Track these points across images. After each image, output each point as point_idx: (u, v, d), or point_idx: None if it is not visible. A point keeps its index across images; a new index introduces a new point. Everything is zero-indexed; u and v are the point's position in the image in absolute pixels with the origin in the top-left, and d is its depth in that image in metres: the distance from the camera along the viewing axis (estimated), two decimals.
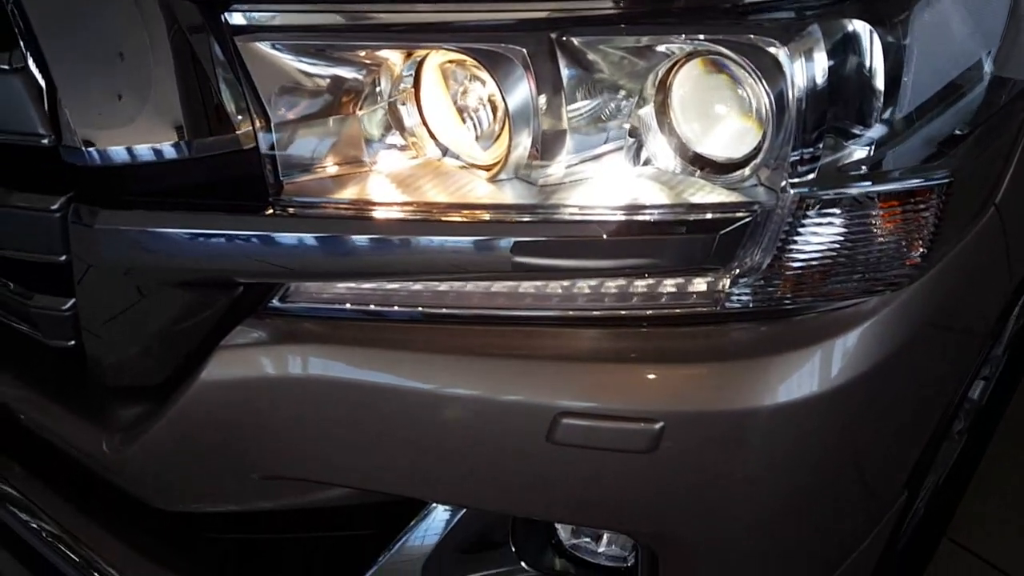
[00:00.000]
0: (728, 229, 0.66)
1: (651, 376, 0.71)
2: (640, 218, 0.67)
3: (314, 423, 0.78)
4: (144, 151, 0.71)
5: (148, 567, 0.97)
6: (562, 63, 0.67)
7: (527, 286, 0.74)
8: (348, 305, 0.77)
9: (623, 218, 0.68)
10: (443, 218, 0.70)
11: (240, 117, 0.71)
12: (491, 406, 0.73)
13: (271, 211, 0.72)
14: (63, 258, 0.78)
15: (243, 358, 0.77)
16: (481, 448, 0.76)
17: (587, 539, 0.92)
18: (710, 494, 0.74)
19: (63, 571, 1.02)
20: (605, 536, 0.92)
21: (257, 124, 0.71)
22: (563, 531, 0.93)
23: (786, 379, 0.70)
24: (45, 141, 0.72)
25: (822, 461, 0.75)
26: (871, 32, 0.66)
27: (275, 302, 0.78)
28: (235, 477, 0.85)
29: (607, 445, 0.72)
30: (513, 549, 0.92)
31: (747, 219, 0.66)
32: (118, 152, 0.71)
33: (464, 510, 0.88)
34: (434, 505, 0.88)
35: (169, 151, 0.71)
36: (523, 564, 0.92)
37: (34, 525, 1.04)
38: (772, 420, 0.70)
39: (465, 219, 0.70)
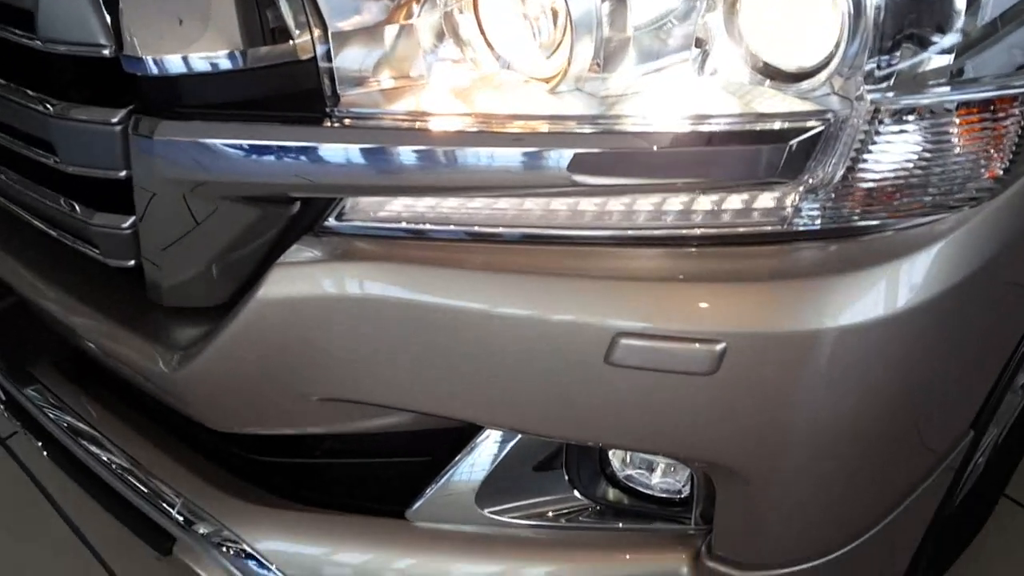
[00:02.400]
0: (799, 139, 0.64)
1: (713, 296, 0.69)
2: (705, 128, 0.65)
3: (369, 343, 0.77)
4: (201, 61, 0.70)
5: (202, 489, 0.98)
6: None
7: (587, 203, 0.72)
8: (404, 224, 0.76)
9: (688, 129, 0.66)
10: (500, 130, 0.68)
11: (298, 28, 0.70)
12: (549, 326, 0.72)
13: (329, 123, 0.71)
14: (124, 173, 0.78)
15: (299, 276, 0.77)
16: (538, 370, 0.75)
17: (640, 470, 0.91)
18: (771, 420, 0.72)
19: (117, 490, 1.05)
20: (659, 467, 0.91)
21: (315, 34, 0.69)
22: (616, 461, 0.92)
23: (855, 300, 0.67)
24: (106, 52, 0.72)
25: (889, 387, 0.73)
26: None
27: (331, 221, 0.77)
28: (289, 399, 0.85)
29: (667, 367, 0.71)
30: (566, 478, 0.91)
31: (819, 129, 0.64)
32: (176, 62, 0.71)
33: (517, 437, 0.87)
34: (487, 432, 0.87)
35: (225, 62, 0.71)
36: (576, 493, 0.92)
37: (89, 446, 1.06)
38: (839, 343, 0.68)
39: (523, 131, 0.68)
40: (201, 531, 0.97)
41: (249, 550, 0.95)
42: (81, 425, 1.07)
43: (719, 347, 0.69)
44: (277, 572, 0.94)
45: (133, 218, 0.82)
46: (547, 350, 0.73)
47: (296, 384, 0.83)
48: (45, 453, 1.14)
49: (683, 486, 0.89)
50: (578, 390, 0.75)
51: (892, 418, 0.76)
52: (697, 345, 0.69)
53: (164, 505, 0.99)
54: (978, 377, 0.87)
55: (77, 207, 0.85)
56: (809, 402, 0.71)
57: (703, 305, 0.69)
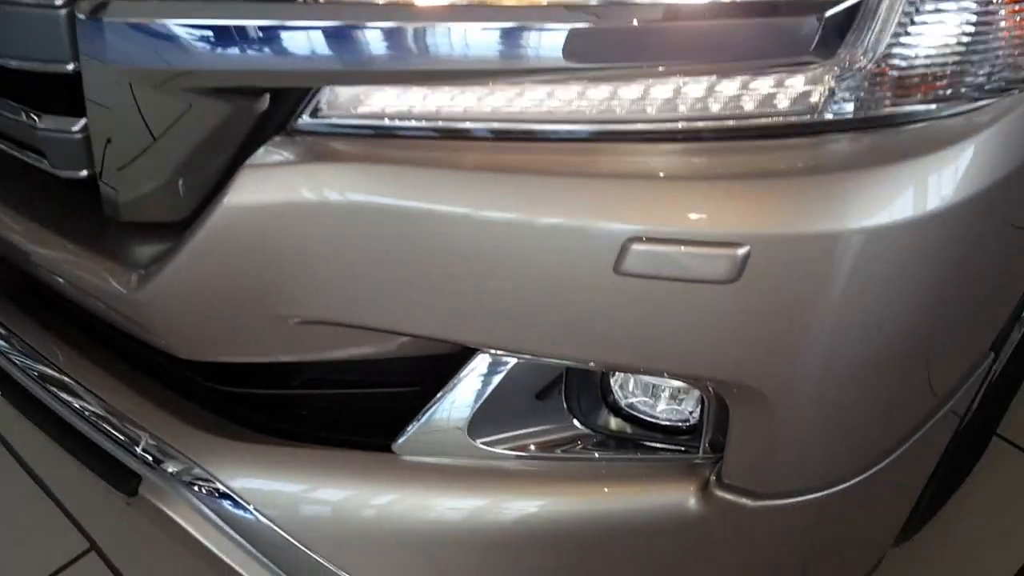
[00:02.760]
0: (835, 11, 0.57)
1: (736, 195, 0.62)
2: None
3: (349, 256, 0.70)
4: None
5: (169, 423, 0.91)
6: None
7: (593, 93, 0.65)
8: (387, 121, 0.68)
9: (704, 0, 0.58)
10: (494, 2, 0.61)
11: None
12: (551, 233, 0.65)
13: None
14: (71, 67, 0.69)
15: (270, 179, 0.69)
16: (538, 283, 0.68)
17: (644, 397, 0.85)
18: (796, 332, 0.66)
19: (77, 428, 0.97)
20: (664, 394, 0.85)
21: None
22: (618, 389, 0.86)
23: (892, 197, 0.61)
24: None
25: (923, 295, 0.66)
26: None
27: (305, 119, 0.70)
28: (262, 321, 0.77)
29: (684, 275, 0.64)
30: (565, 406, 0.85)
31: None
32: None
33: (513, 363, 0.80)
34: (480, 358, 0.80)
35: None
36: (575, 422, 0.86)
37: (45, 381, 0.99)
38: (873, 245, 0.62)
39: (519, 3, 0.60)
40: (169, 469, 0.90)
41: (222, 488, 0.88)
42: (36, 359, 0.98)
43: (741, 251, 0.62)
44: (253, 511, 0.88)
45: (84, 121, 0.73)
46: (549, 260, 0.66)
47: (269, 304, 0.75)
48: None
49: (691, 413, 0.83)
50: (583, 305, 0.68)
51: (923, 330, 0.70)
52: (717, 249, 0.63)
53: (128, 441, 0.91)
54: (1005, 292, 0.81)
55: (22, 111, 0.77)
56: (838, 311, 0.65)
57: (724, 205, 0.62)
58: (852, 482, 0.81)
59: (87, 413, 0.94)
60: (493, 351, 0.78)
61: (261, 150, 0.69)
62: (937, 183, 0.61)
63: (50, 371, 0.97)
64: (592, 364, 0.75)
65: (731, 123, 0.63)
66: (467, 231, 0.67)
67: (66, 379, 0.96)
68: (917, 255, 0.63)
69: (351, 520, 0.87)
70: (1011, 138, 0.63)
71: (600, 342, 0.70)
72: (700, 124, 0.64)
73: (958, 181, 0.62)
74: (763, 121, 0.63)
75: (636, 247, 0.64)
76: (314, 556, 0.88)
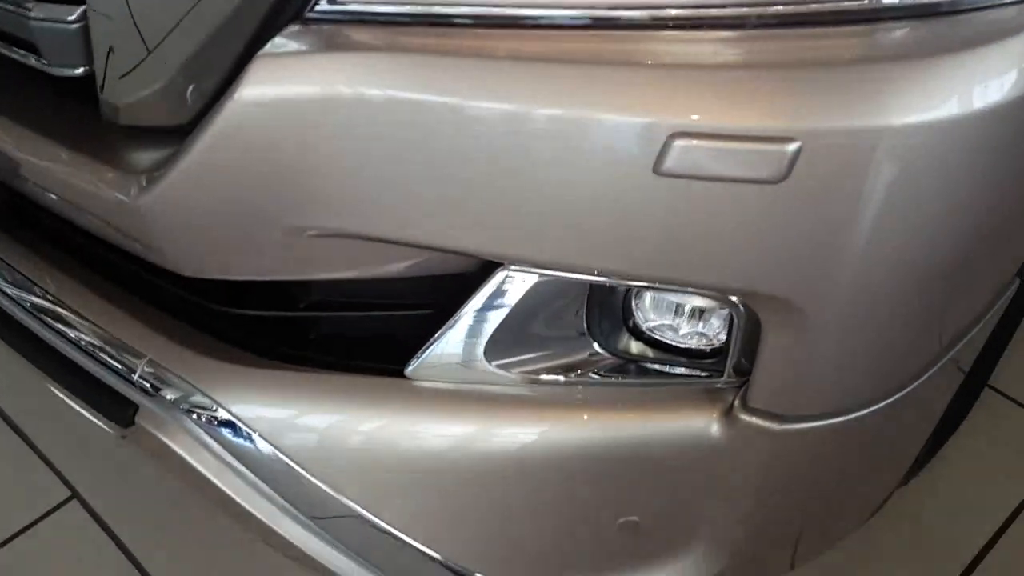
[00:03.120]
0: None
1: (788, 85, 0.59)
2: None
3: (371, 155, 0.66)
4: None
5: (169, 348, 0.86)
6: None
7: None
8: (412, 7, 0.64)
9: None
10: None
11: None
12: (589, 128, 0.61)
13: None
14: None
15: (287, 70, 0.64)
16: (572, 186, 0.64)
17: (666, 320, 0.82)
18: (840, 239, 0.63)
19: (67, 356, 0.93)
20: (686, 318, 0.81)
21: None
22: (640, 312, 0.82)
23: (957, 88, 0.58)
24: None
25: (974, 200, 0.64)
26: None
27: (323, 4, 0.65)
28: (273, 234, 0.73)
29: (729, 174, 0.61)
30: (585, 329, 0.82)
31: None
32: None
33: (532, 283, 0.77)
34: (498, 276, 0.76)
35: None
36: (595, 346, 0.82)
37: (30, 307, 0.94)
38: (933, 140, 0.59)
39: None
40: (168, 396, 0.85)
41: (225, 414, 0.84)
42: (27, 287, 0.93)
43: (792, 147, 0.59)
44: (258, 438, 0.84)
45: (82, 8, 0.68)
46: (585, 159, 0.63)
47: (282, 214, 0.71)
48: None
49: (715, 336, 0.80)
50: (618, 209, 0.64)
51: (967, 240, 0.67)
52: (766, 145, 0.59)
53: (124, 368, 0.87)
54: None
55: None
56: (886, 215, 0.62)
57: (775, 97, 0.59)
58: (879, 406, 0.79)
59: (81, 341, 0.89)
60: (515, 266, 0.75)
61: (277, 39, 0.65)
62: (1000, 74, 0.58)
63: (41, 299, 0.92)
64: (621, 277, 0.71)
65: (781, 8, 0.59)
66: (495, 128, 0.63)
67: (58, 306, 0.91)
68: (976, 153, 0.60)
69: (360, 447, 0.84)
70: None
71: (633, 251, 0.67)
72: (748, 10, 0.60)
73: (1020, 74, 0.59)
74: (815, 7, 0.59)
75: (679, 143, 0.60)
76: (320, 485, 0.84)
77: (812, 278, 0.66)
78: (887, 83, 0.58)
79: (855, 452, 0.84)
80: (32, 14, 0.69)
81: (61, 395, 1.07)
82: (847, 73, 0.58)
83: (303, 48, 0.64)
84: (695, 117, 0.60)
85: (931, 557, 1.39)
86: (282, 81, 0.64)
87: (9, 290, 0.94)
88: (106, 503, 1.46)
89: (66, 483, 1.49)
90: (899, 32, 0.59)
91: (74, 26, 0.69)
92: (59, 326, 0.91)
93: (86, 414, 1.06)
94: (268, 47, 0.65)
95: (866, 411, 0.79)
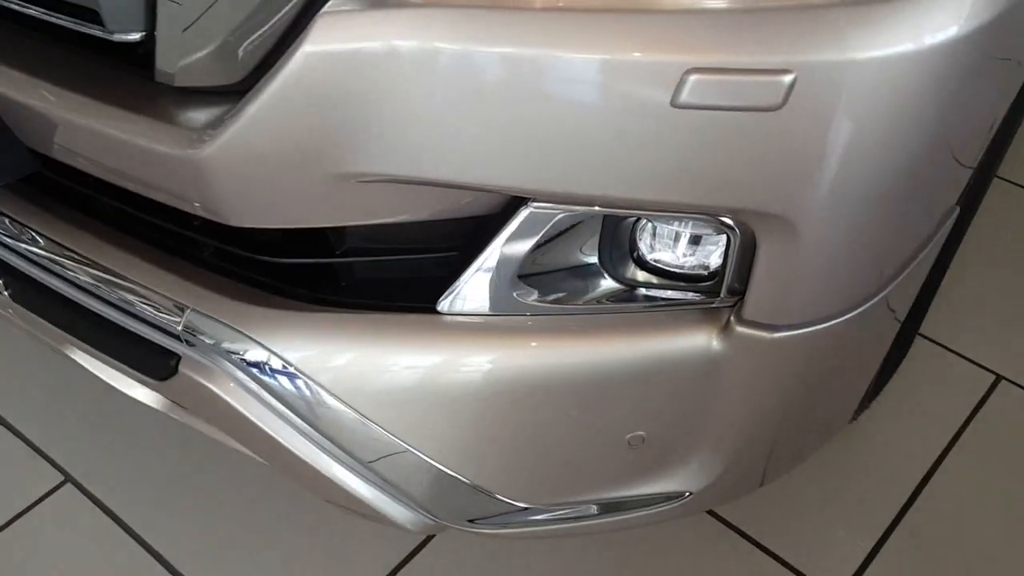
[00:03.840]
0: None
1: (785, 24, 0.70)
2: None
3: (420, 101, 0.75)
4: None
5: (210, 297, 0.93)
6: None
7: None
8: None
9: None
10: None
11: None
12: (616, 68, 0.72)
13: None
14: None
15: (348, 26, 0.72)
16: (599, 121, 0.74)
17: (667, 251, 0.93)
18: (831, 158, 0.75)
19: (105, 318, 0.99)
20: (685, 246, 0.92)
21: None
22: (643, 245, 0.93)
23: (928, 23, 0.70)
24: None
25: (938, 122, 0.77)
26: None
27: None
28: (323, 181, 0.81)
29: (736, 103, 0.72)
30: (598, 261, 0.92)
31: None
32: None
33: (554, 218, 0.86)
34: (522, 214, 0.86)
35: None
36: (607, 276, 0.93)
37: (69, 272, 0.99)
38: (908, 69, 0.71)
39: None
40: (213, 342, 0.92)
41: (268, 355, 0.91)
42: (58, 250, 0.99)
43: (788, 78, 0.71)
44: (301, 375, 0.91)
45: None
46: (612, 98, 0.73)
47: (334, 161, 0.79)
48: (8, 293, 1.05)
49: (711, 260, 0.91)
50: (640, 140, 0.75)
51: (929, 159, 0.80)
52: (767, 77, 0.71)
53: (167, 320, 0.93)
54: (975, 142, 0.93)
55: None
56: (870, 136, 0.74)
57: (775, 35, 0.70)
58: (853, 314, 0.91)
59: (122, 300, 0.95)
60: (537, 204, 0.84)
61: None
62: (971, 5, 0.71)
63: (80, 264, 0.97)
64: (639, 205, 0.82)
65: None
66: (536, 72, 0.72)
67: (98, 270, 0.96)
68: (944, 80, 0.73)
69: (395, 379, 0.92)
70: None
71: (652, 178, 0.77)
72: None
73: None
74: None
75: (693, 78, 0.71)
76: (365, 419, 0.92)
77: (803, 195, 0.77)
78: (869, 21, 0.70)
79: (831, 359, 0.97)
80: None
81: (88, 363, 1.12)
82: (836, 13, 0.70)
83: (360, 7, 0.73)
84: (707, 55, 0.71)
85: (877, 483, 1.55)
86: (343, 37, 0.73)
87: (45, 259, 0.99)
88: (101, 484, 1.50)
89: (58, 468, 1.52)
90: None
91: None
92: (100, 288, 0.97)
93: (113, 383, 1.11)
94: (328, 6, 0.73)
95: (841, 319, 0.91)
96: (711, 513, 1.48)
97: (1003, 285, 1.89)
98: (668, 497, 1.04)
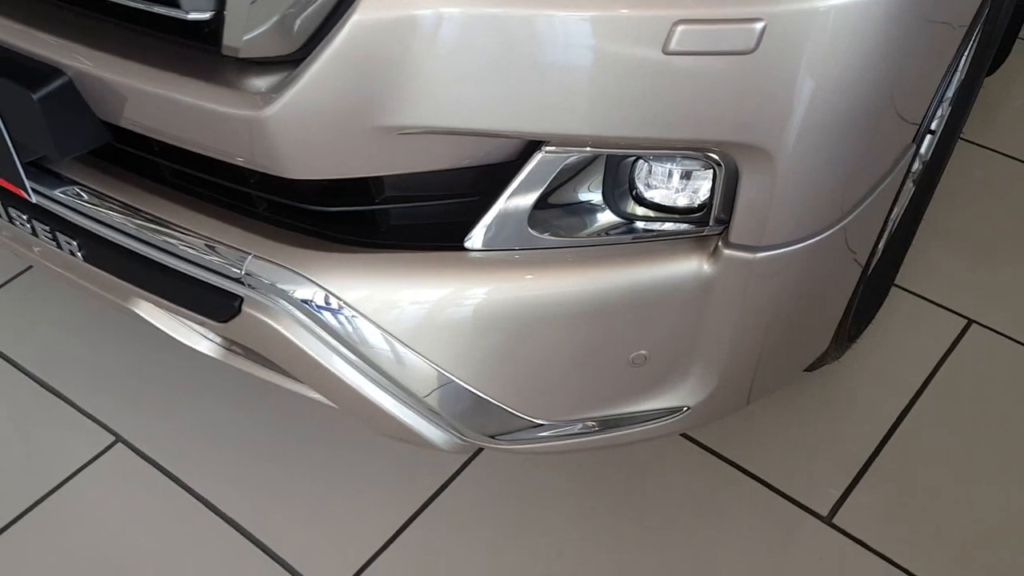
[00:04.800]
0: None
1: None
2: None
3: (456, 59, 0.89)
4: None
5: (268, 243, 1.07)
6: None
7: None
8: None
9: None
10: None
11: None
12: (616, 23, 0.86)
13: None
14: None
15: None
16: (607, 70, 0.89)
17: (662, 189, 1.07)
18: (797, 95, 0.90)
19: (173, 268, 1.12)
20: (678, 183, 1.06)
21: None
22: (641, 184, 1.07)
23: None
24: None
25: (891, 63, 0.92)
26: None
27: None
28: (369, 134, 0.95)
29: (716, 48, 0.87)
30: (602, 198, 1.06)
31: None
32: None
33: (563, 161, 1.00)
34: (537, 158, 1.00)
35: None
36: (610, 212, 1.07)
37: (140, 231, 1.13)
38: (854, 15, 0.86)
39: None
40: (270, 283, 1.06)
41: (321, 292, 1.05)
42: (129, 211, 1.12)
43: (759, 25, 0.86)
44: (356, 313, 1.05)
45: None
46: (615, 47, 0.87)
47: (378, 116, 0.93)
48: (82, 256, 1.19)
49: (701, 191, 1.06)
50: (639, 84, 0.89)
51: (883, 93, 0.95)
52: (742, 25, 0.86)
53: (230, 265, 1.07)
54: (931, 78, 1.09)
55: None
56: (830, 72, 0.89)
57: None
58: (823, 236, 1.06)
59: (189, 248, 1.09)
60: (549, 148, 0.99)
61: None
62: None
63: (148, 217, 1.11)
64: (638, 144, 0.97)
65: None
66: (553, 30, 0.87)
67: (164, 222, 1.10)
68: (888, 26, 0.88)
69: (429, 310, 1.06)
70: None
71: (650, 117, 0.92)
72: None
73: None
74: None
75: (681, 27, 0.86)
76: (404, 345, 1.06)
77: (776, 127, 0.92)
78: None
79: (803, 280, 1.12)
80: None
81: (152, 318, 1.26)
82: None
83: None
84: (692, 9, 0.86)
85: (855, 418, 1.70)
86: (388, 5, 0.87)
87: (117, 220, 1.13)
88: (153, 443, 1.63)
89: (108, 429, 1.65)
90: None
91: None
92: (168, 243, 1.10)
93: (175, 333, 1.25)
94: None
95: (810, 242, 1.06)
96: (710, 450, 1.63)
97: (975, 237, 2.05)
98: (669, 412, 1.19)
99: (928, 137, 1.82)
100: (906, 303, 1.91)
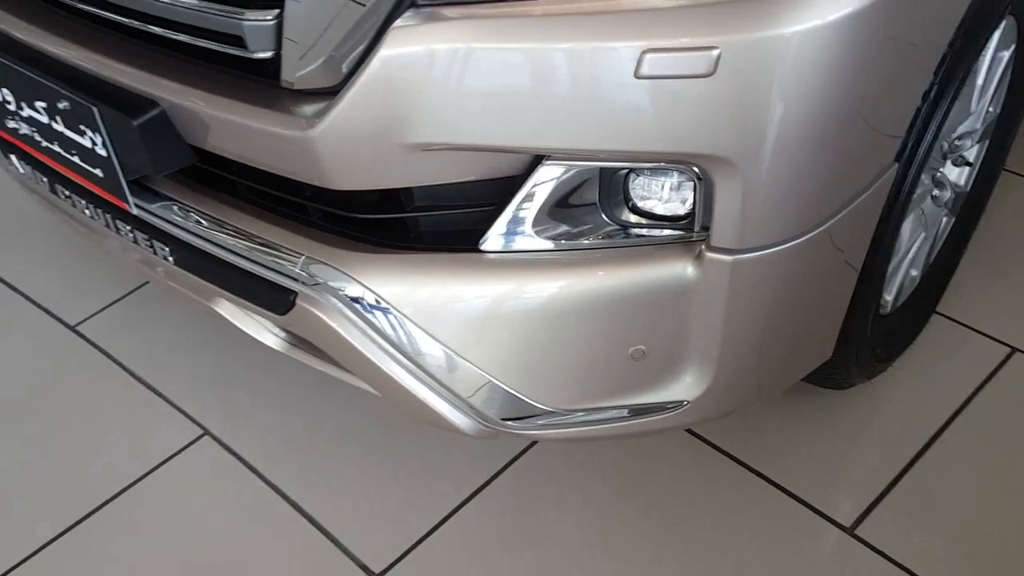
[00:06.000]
0: None
1: (710, 16, 1.01)
2: None
3: (459, 85, 1.07)
4: None
5: (319, 247, 1.27)
6: None
7: None
8: None
9: None
10: None
11: None
12: (595, 52, 1.03)
13: None
14: None
15: (409, 35, 1.06)
16: (590, 92, 1.05)
17: (653, 200, 1.22)
18: (753, 110, 1.04)
19: (242, 268, 1.33)
20: (665, 194, 1.21)
21: None
22: (634, 194, 1.22)
23: (812, 10, 0.99)
24: None
25: (846, 85, 1.05)
26: None
27: None
28: (395, 150, 1.13)
29: (681, 73, 1.02)
30: (599, 206, 1.22)
31: None
32: None
33: (562, 172, 1.16)
34: (540, 171, 1.16)
35: None
36: (606, 218, 1.22)
37: (217, 237, 1.34)
38: (799, 42, 1.00)
39: None
40: (320, 280, 1.25)
41: (364, 290, 1.23)
42: (209, 222, 1.34)
43: (715, 52, 1.01)
44: (388, 305, 1.23)
45: (278, 10, 1.11)
46: (595, 73, 1.04)
47: (401, 134, 1.11)
48: (172, 260, 1.42)
49: (685, 203, 1.19)
50: (618, 103, 1.05)
51: (847, 111, 1.08)
52: (701, 52, 1.01)
53: (288, 265, 1.27)
54: (904, 102, 1.20)
55: (229, 9, 1.14)
56: (781, 92, 1.03)
57: (703, 23, 1.01)
58: (801, 240, 1.18)
59: (254, 252, 1.30)
60: (550, 161, 1.15)
61: (401, 18, 1.06)
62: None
63: (223, 226, 1.33)
64: (620, 157, 1.12)
65: None
66: (540, 60, 1.04)
67: (235, 230, 1.32)
68: (838, 50, 1.02)
69: (450, 304, 1.23)
70: None
71: (627, 133, 1.08)
72: None
73: None
74: None
75: (649, 56, 1.01)
76: (430, 336, 1.24)
77: (739, 140, 1.07)
78: (770, 10, 1.00)
79: (792, 281, 1.24)
80: (246, 16, 1.12)
81: (228, 313, 1.47)
82: (750, 4, 1.00)
83: (418, 21, 1.06)
84: (657, 40, 1.01)
85: (887, 437, 1.76)
86: (407, 43, 1.06)
87: (200, 228, 1.35)
88: (237, 439, 1.83)
89: (197, 423, 1.87)
90: None
91: (271, 22, 1.11)
92: (238, 246, 1.32)
93: (239, 325, 1.46)
94: (397, 21, 1.06)
95: (784, 246, 1.18)
96: (738, 460, 1.73)
97: (1021, 267, 2.08)
98: (669, 405, 1.31)
99: (967, 169, 1.90)
100: (948, 330, 1.96)
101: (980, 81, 1.62)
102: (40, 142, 1.41)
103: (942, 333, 1.96)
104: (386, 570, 1.61)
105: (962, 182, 1.87)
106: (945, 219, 1.88)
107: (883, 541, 1.61)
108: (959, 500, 1.65)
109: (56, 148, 1.39)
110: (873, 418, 1.80)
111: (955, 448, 1.74)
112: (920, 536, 1.60)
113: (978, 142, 1.79)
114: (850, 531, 1.62)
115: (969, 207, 1.94)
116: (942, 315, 1.99)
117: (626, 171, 1.19)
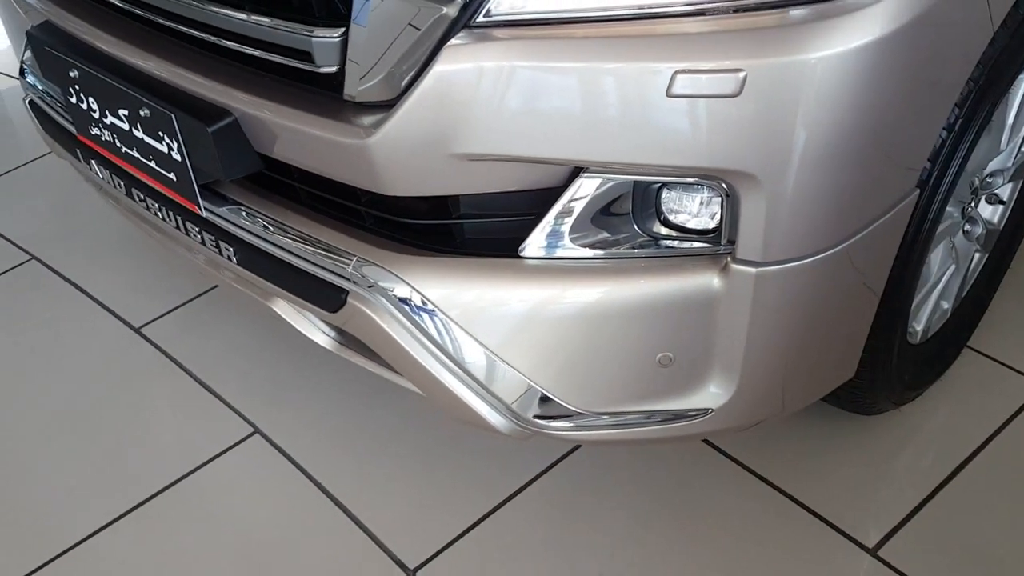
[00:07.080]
0: None
1: (738, 40, 1.09)
2: None
3: (509, 99, 1.16)
4: None
5: (371, 249, 1.36)
6: None
7: None
8: (527, 15, 1.16)
9: None
10: None
11: None
12: (631, 70, 1.12)
13: None
14: None
15: (461, 52, 1.16)
16: (627, 107, 1.14)
17: (683, 214, 1.29)
18: (778, 128, 1.11)
19: (300, 268, 1.43)
20: (694, 208, 1.28)
21: None
22: (665, 208, 1.30)
23: (837, 36, 1.07)
24: None
25: (864, 111, 1.13)
26: None
27: (480, 18, 1.17)
28: (444, 159, 1.23)
29: (708, 92, 1.10)
30: (632, 218, 1.30)
31: None
32: None
33: (598, 184, 1.25)
34: (577, 183, 1.24)
35: None
36: (638, 230, 1.30)
37: (278, 239, 1.45)
38: (822, 67, 1.08)
39: None
40: (370, 280, 1.35)
41: (411, 291, 1.32)
42: (271, 225, 1.45)
43: (741, 74, 1.09)
44: (433, 305, 1.32)
45: (343, 28, 1.22)
46: (631, 90, 1.13)
47: (454, 144, 1.21)
48: (235, 260, 1.52)
49: (713, 217, 1.27)
50: (651, 119, 1.14)
51: (867, 135, 1.16)
52: (728, 74, 1.09)
53: (342, 265, 1.37)
54: (924, 131, 1.27)
55: (299, 25, 1.25)
56: (805, 112, 1.10)
57: (732, 46, 1.09)
58: (824, 255, 1.25)
59: (312, 253, 1.40)
60: (588, 174, 1.23)
61: (455, 38, 1.17)
62: (875, 20, 1.08)
63: (283, 228, 1.43)
64: (654, 169, 1.20)
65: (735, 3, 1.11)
66: (583, 78, 1.14)
67: (294, 232, 1.42)
68: (851, 77, 1.10)
69: (491, 306, 1.31)
70: None
71: (661, 147, 1.16)
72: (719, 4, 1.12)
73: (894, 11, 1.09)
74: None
75: (680, 76, 1.10)
76: (473, 337, 1.32)
77: (763, 156, 1.14)
78: (795, 35, 1.08)
79: (814, 295, 1.30)
80: (315, 33, 1.23)
81: (283, 312, 1.57)
82: (774, 31, 1.08)
83: (471, 40, 1.16)
84: (688, 62, 1.10)
85: (914, 464, 1.80)
86: (461, 59, 1.16)
87: (260, 229, 1.46)
88: (287, 439, 1.93)
89: (248, 422, 1.97)
90: (800, 10, 1.09)
91: (337, 39, 1.22)
92: (295, 247, 1.42)
93: (295, 322, 1.56)
94: (451, 40, 1.17)
95: (805, 261, 1.25)
96: (766, 481, 1.77)
97: None
98: (694, 413, 1.38)
99: (1000, 207, 1.95)
100: (979, 364, 2.00)
101: (1010, 119, 1.68)
102: (120, 148, 1.54)
103: (974, 367, 1.99)
104: (420, 566, 1.68)
105: (995, 219, 1.91)
106: (978, 255, 1.92)
107: (906, 563, 1.64)
108: (983, 528, 1.68)
109: (135, 153, 1.51)
110: (900, 445, 1.84)
111: (982, 477, 1.77)
112: (943, 560, 1.63)
113: (1010, 180, 1.84)
114: (873, 552, 1.66)
115: (1003, 245, 1.98)
116: (974, 349, 2.02)
117: (658, 185, 1.27)
